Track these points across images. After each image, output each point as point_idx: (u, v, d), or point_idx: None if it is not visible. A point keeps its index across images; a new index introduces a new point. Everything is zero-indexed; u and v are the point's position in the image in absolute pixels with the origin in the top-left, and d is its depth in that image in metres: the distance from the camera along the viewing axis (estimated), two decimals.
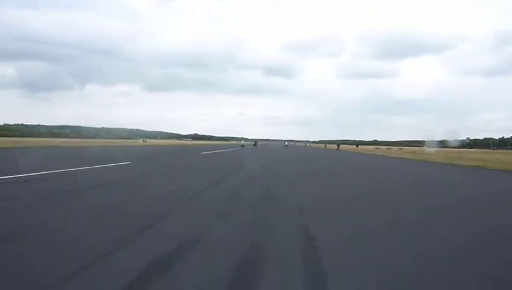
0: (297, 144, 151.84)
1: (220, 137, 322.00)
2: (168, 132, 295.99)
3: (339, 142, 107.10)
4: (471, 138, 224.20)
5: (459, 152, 69.20)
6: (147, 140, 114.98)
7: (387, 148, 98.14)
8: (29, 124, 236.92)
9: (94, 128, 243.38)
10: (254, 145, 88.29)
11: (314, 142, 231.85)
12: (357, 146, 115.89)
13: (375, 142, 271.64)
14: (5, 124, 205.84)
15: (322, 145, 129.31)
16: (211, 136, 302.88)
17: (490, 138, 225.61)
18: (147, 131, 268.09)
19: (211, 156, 30.40)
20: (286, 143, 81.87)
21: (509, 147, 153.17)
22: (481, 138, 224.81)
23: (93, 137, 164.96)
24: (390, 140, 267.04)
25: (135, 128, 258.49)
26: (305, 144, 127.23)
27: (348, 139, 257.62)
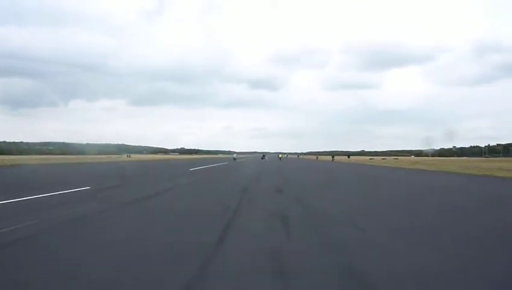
0: (289, 156, 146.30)
1: (207, 151, 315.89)
2: (155, 146, 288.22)
3: (333, 154, 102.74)
4: (457, 146, 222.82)
5: (467, 161, 64.84)
6: (131, 155, 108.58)
7: (382, 159, 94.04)
8: (11, 141, 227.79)
9: (79, 144, 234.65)
10: (262, 158, 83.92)
11: (302, 153, 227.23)
12: (349, 157, 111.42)
13: (362, 153, 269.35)
14: None
15: (313, 157, 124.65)
16: (198, 150, 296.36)
17: (476, 146, 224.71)
18: (133, 146, 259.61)
19: (202, 173, 25.11)
20: (234, 155, 76.66)
21: (500, 155, 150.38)
22: (467, 146, 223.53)
23: (76, 153, 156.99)
24: (378, 150, 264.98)
25: (121, 143, 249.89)
26: (298, 156, 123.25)
27: (336, 150, 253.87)
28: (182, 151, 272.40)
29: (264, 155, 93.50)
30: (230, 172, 27.59)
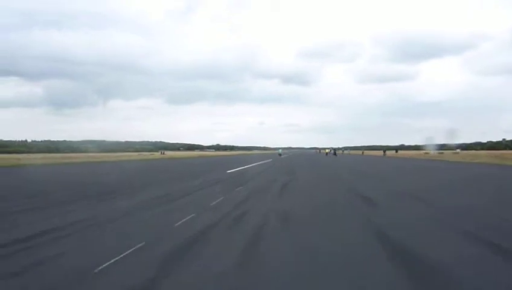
0: (321, 151, 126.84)
1: (242, 147, 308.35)
2: (190, 143, 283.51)
3: (384, 148, 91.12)
4: (506, 139, 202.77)
5: None
6: (165, 152, 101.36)
7: (440, 153, 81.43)
8: (55, 140, 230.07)
9: (117, 142, 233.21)
10: (334, 154, 70.45)
11: (339, 148, 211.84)
12: (397, 151, 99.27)
13: (402, 147, 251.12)
14: (32, 141, 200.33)
15: (359, 152, 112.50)
16: (233, 146, 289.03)
17: None
18: (170, 143, 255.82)
19: (247, 180, 15.71)
20: (280, 151, 66.20)
21: None
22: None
23: (112, 151, 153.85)
24: (418, 144, 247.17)
25: (158, 140, 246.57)
26: (335, 152, 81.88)
27: (373, 144, 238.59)
28: (217, 147, 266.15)
29: (334, 151, 79.73)
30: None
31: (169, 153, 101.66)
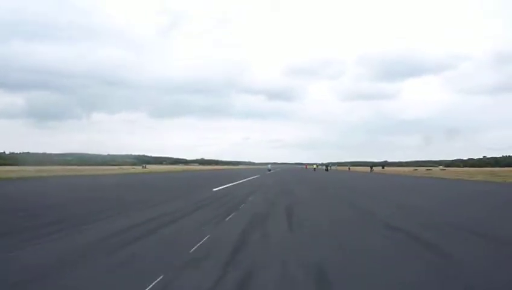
0: (308, 167, 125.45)
1: (227, 161, 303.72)
2: (175, 157, 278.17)
3: (371, 165, 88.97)
4: (487, 156, 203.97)
5: None
6: (147, 166, 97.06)
7: (427, 170, 79.64)
8: (35, 152, 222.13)
9: (100, 155, 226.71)
10: (326, 170, 68.76)
11: (327, 164, 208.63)
12: (383, 167, 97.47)
13: (386, 163, 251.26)
14: (10, 153, 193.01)
15: (345, 168, 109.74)
16: (218, 161, 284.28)
17: (509, 156, 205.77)
18: (154, 157, 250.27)
19: (239, 202, 12.41)
20: (269, 166, 64.05)
21: None
22: (498, 155, 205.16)
23: (95, 164, 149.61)
24: (402, 160, 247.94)
25: (142, 154, 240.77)
26: (326, 168, 78.85)
27: (358, 160, 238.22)
28: (202, 161, 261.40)
29: (327, 166, 77.44)
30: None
31: (151, 167, 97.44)
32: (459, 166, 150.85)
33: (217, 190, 16.56)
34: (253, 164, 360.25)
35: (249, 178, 30.55)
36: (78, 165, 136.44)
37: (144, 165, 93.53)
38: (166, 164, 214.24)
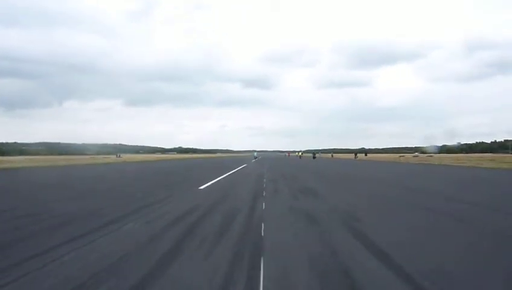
0: (290, 154, 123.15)
1: (205, 150, 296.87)
2: (152, 146, 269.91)
3: (356, 152, 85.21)
4: (461, 142, 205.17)
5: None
6: (122, 155, 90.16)
7: (414, 156, 76.64)
8: (5, 141, 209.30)
9: (74, 144, 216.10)
10: (314, 157, 64.05)
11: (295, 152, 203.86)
12: (366, 154, 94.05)
13: (360, 150, 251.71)
14: None
15: (328, 155, 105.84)
16: (196, 149, 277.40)
17: (482, 142, 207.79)
18: (130, 146, 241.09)
19: (246, 223, 7.15)
20: (255, 154, 61.20)
21: None
22: (471, 142, 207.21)
23: (68, 153, 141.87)
24: (379, 147, 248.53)
25: (118, 143, 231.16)
26: (314, 155, 68.46)
27: (335, 148, 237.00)
28: (180, 150, 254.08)
29: (314, 154, 70.88)
30: None
31: (126, 156, 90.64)
32: (428, 153, 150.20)
33: (204, 188, 11.43)
34: (232, 151, 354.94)
35: (238, 168, 25.44)
36: (48, 155, 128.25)
37: (118, 155, 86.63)
38: (144, 153, 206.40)
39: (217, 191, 10.58)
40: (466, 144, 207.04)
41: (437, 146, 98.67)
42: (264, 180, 14.83)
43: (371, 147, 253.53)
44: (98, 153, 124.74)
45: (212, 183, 13.08)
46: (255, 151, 70.76)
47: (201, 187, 11.81)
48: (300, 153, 77.06)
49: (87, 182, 15.45)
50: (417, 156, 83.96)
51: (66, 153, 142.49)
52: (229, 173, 19.12)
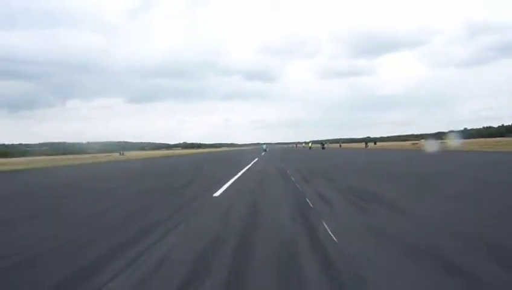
0: (298, 145, 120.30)
1: (210, 144, 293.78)
2: (157, 142, 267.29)
3: (367, 140, 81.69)
4: (466, 128, 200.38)
5: None
6: (126, 153, 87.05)
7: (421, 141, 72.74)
8: (10, 143, 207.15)
9: (79, 143, 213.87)
10: (323, 148, 61.54)
11: (302, 143, 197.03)
12: (375, 143, 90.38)
13: (368, 139, 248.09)
14: None
15: (336, 145, 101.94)
16: (200, 144, 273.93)
17: (490, 126, 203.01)
18: (135, 142, 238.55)
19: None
20: (264, 146, 58.07)
21: None
22: (478, 127, 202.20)
23: (73, 153, 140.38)
24: (383, 136, 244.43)
25: (122, 140, 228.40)
26: (323, 146, 68.99)
27: (339, 137, 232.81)
28: (185, 145, 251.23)
29: (323, 144, 69.12)
30: None
31: (130, 154, 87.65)
32: (442, 138, 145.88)
33: (219, 197, 8.06)
34: (236, 145, 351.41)
35: (251, 163, 22.03)
36: (53, 155, 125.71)
37: (122, 152, 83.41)
38: (148, 149, 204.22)
39: (239, 201, 7.20)
40: (473, 129, 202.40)
41: (455, 133, 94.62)
42: (293, 178, 11.40)
43: (375, 136, 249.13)
44: (102, 151, 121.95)
45: (229, 187, 9.69)
46: (264, 143, 67.69)
47: (216, 194, 8.42)
48: (310, 144, 73.52)
49: (109, 177, 12.10)
50: (416, 143, 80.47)
51: (72, 153, 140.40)
52: (243, 171, 15.65)
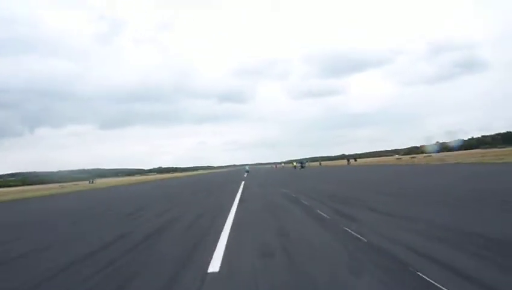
0: (277, 166, 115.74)
1: (185, 168, 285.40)
2: (130, 167, 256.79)
3: (348, 157, 78.52)
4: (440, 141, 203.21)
5: None
6: (95, 180, 79.91)
7: (412, 157, 70.13)
8: None
9: (50, 172, 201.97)
10: (302, 167, 59.03)
11: (281, 163, 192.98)
12: (356, 160, 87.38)
13: (345, 156, 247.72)
14: None
15: (316, 163, 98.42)
16: (176, 168, 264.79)
17: (459, 140, 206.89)
18: (108, 169, 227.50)
19: None
20: (247, 168, 54.60)
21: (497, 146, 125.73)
22: (448, 140, 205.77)
23: (43, 182, 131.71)
24: (358, 152, 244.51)
25: (95, 167, 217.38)
26: (302, 165, 62.31)
27: (315, 156, 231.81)
28: (160, 170, 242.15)
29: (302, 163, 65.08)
30: None
31: (101, 181, 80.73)
32: (416, 153, 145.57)
33: (216, 276, 3.46)
34: (212, 167, 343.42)
35: (239, 190, 17.30)
36: (19, 185, 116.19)
37: (91, 180, 76.34)
38: (122, 175, 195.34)
39: None
40: (444, 142, 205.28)
41: (436, 145, 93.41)
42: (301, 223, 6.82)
43: (350, 153, 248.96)
44: (74, 180, 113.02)
45: (228, 252, 4.99)
46: (246, 165, 64.25)
47: (212, 270, 3.75)
48: (294, 164, 69.48)
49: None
50: (400, 158, 78.91)
51: (41, 182, 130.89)
52: (235, 205, 10.89)
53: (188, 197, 15.95)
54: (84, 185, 59.42)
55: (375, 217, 6.50)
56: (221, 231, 6.30)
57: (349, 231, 5.36)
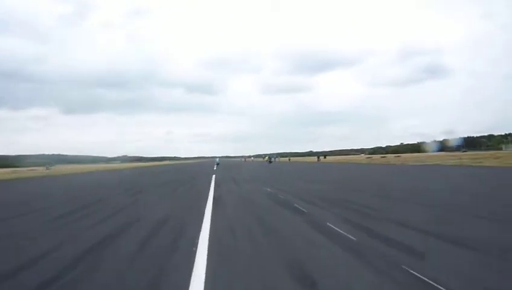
0: (247, 160, 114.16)
1: (152, 157, 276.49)
2: (94, 155, 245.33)
3: (319, 154, 77.33)
4: (404, 143, 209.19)
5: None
6: (53, 167, 73.91)
7: (382, 157, 69.51)
8: None
9: (7, 156, 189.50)
10: (270, 162, 60.46)
11: (251, 156, 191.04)
12: (325, 157, 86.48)
13: (311, 153, 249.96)
14: None
15: (285, 159, 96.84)
16: (141, 157, 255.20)
17: (423, 142, 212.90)
18: (71, 155, 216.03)
19: None
20: (217, 160, 52.82)
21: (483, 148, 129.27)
22: (413, 142, 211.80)
23: None
24: (326, 150, 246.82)
25: (56, 153, 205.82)
26: (270, 160, 63.62)
27: (284, 152, 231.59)
28: (125, 159, 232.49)
29: (270, 158, 66.88)
30: None
31: (61, 168, 74.82)
32: (382, 153, 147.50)
33: None
34: (179, 158, 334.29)
35: (211, 184, 14.47)
36: None
37: (47, 167, 70.50)
38: (86, 163, 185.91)
39: None
40: (409, 144, 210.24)
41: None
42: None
43: (318, 150, 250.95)
44: (35, 165, 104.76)
45: None
46: (217, 157, 61.73)
47: None
48: (266, 158, 67.49)
49: None
50: (370, 157, 78.98)
51: None
52: (208, 212, 8.08)
53: (155, 194, 12.90)
54: (40, 171, 54.18)
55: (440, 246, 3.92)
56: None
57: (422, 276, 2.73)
